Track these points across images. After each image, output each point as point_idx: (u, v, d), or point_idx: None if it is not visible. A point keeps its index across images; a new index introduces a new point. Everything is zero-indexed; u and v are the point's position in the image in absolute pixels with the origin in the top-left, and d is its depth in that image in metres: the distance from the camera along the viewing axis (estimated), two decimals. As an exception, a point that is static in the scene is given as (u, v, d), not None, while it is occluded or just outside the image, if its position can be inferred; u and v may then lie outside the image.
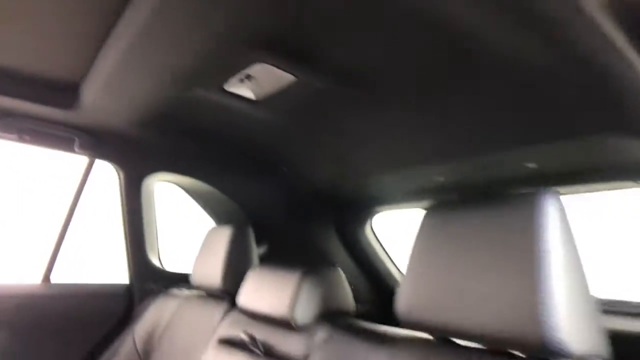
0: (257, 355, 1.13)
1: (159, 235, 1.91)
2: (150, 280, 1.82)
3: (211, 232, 1.66)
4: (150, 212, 1.86)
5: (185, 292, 1.72)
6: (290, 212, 1.94)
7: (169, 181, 1.93)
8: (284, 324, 1.14)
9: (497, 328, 0.73)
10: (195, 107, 1.31)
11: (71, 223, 1.71)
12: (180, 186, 1.99)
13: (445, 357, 0.83)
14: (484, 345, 0.80)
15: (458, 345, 0.85)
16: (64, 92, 1.35)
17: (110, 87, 1.24)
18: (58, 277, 1.69)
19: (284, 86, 1.08)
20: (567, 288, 0.71)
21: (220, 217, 2.08)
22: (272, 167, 1.76)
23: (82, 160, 1.71)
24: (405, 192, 1.66)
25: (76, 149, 1.57)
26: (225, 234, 1.56)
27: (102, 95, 1.30)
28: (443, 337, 0.88)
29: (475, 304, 0.76)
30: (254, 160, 1.75)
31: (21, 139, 1.50)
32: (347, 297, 1.22)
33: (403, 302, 0.87)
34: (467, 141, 1.16)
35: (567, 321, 0.69)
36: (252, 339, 1.17)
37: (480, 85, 0.94)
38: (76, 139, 1.56)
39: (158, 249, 1.91)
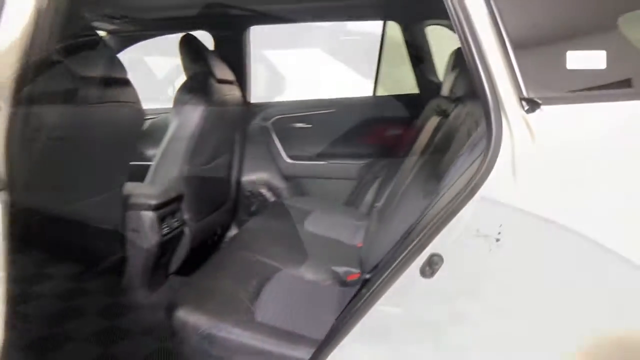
0: None
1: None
2: (427, 91, 2.89)
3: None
4: (426, 47, 2.89)
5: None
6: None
7: (436, 24, 2.87)
8: None
9: None
10: None
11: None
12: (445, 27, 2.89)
13: None
14: None
15: None
16: None
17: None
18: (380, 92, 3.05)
19: None
20: None
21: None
22: None
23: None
24: None
25: (368, 17, 2.78)
26: None
27: None
28: None
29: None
30: None
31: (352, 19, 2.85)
32: None
33: None
34: None
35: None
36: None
37: None
38: (370, 9, 2.76)
39: (435, 69, 2.94)
